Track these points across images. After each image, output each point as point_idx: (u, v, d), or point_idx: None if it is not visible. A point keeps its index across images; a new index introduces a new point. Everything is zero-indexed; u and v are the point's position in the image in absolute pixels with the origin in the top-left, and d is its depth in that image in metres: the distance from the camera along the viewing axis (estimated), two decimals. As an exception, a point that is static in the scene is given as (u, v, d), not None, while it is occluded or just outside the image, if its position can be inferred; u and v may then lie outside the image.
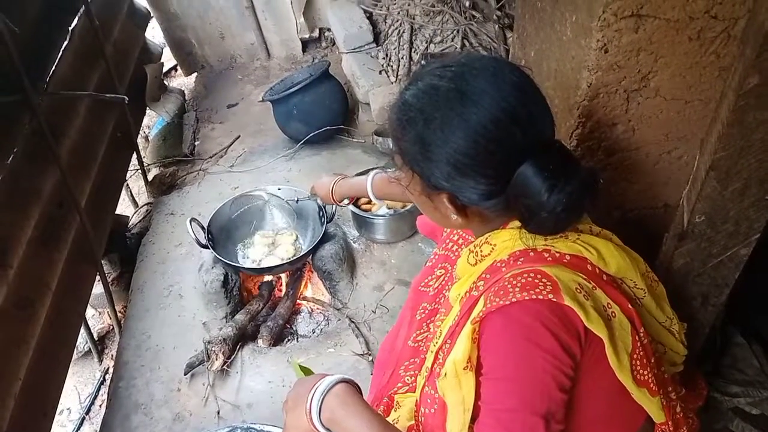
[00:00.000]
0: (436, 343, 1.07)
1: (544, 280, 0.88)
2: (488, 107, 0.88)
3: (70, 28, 2.17)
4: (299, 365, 1.18)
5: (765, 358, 1.54)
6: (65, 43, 2.11)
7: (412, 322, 1.31)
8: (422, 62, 2.90)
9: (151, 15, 3.35)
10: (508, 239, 0.97)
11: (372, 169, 1.90)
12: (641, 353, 0.94)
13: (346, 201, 1.77)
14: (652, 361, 0.97)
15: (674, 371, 1.13)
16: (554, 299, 0.86)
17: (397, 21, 3.15)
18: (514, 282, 0.89)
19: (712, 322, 1.37)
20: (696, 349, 1.09)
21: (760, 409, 1.48)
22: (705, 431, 1.23)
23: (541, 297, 0.86)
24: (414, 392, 1.22)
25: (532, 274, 0.89)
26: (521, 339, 0.86)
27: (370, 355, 1.91)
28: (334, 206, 2.16)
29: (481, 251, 1.01)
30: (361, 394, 1.01)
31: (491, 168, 0.90)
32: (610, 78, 1.26)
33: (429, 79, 0.94)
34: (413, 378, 1.26)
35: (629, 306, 0.95)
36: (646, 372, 0.95)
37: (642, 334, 0.95)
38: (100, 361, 2.33)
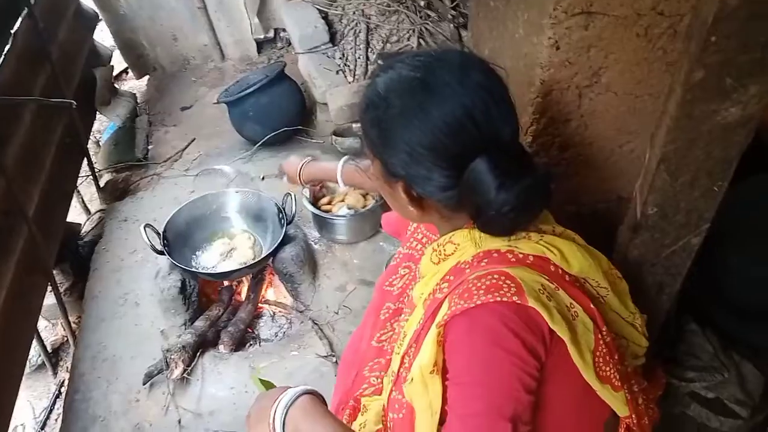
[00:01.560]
0: (401, 345, 1.06)
1: (507, 281, 0.88)
2: (449, 102, 0.89)
3: (12, 31, 2.09)
4: (260, 379, 1.14)
5: (718, 344, 1.59)
6: (7, 46, 2.03)
7: (376, 321, 1.30)
8: (379, 62, 2.89)
9: (100, 17, 3.25)
10: (471, 239, 0.98)
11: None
12: (604, 351, 0.95)
13: (307, 191, 1.78)
14: (615, 357, 0.98)
15: (637, 363, 1.15)
16: (518, 301, 0.86)
17: (353, 21, 3.14)
18: (478, 284, 0.89)
19: (667, 310, 1.41)
20: (653, 338, 1.11)
21: (715, 392, 1.53)
22: (663, 417, 1.26)
23: (505, 299, 0.86)
24: (380, 394, 1.22)
25: (496, 276, 0.89)
26: (486, 342, 0.86)
27: (334, 356, 1.89)
28: (293, 207, 2.14)
29: (445, 250, 1.01)
30: (326, 404, 0.98)
31: (446, 161, 0.90)
32: (562, 74, 1.28)
33: (398, 68, 0.95)
34: (379, 379, 1.25)
35: (591, 305, 0.96)
36: (608, 368, 0.96)
37: (605, 332, 0.96)
38: (55, 374, 2.26)
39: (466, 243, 0.98)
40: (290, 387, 0.98)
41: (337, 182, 1.64)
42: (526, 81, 1.32)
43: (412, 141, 0.91)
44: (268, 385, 1.14)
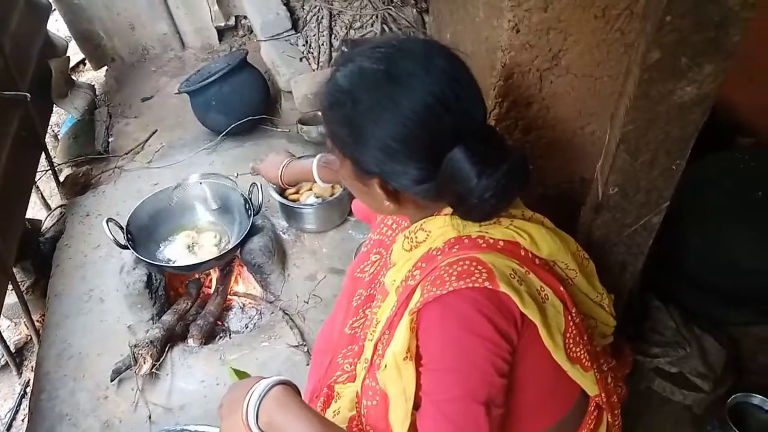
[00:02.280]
0: (374, 332, 1.06)
1: (479, 267, 0.88)
2: (418, 91, 0.87)
3: (-41, 21, 2.01)
4: (234, 369, 1.14)
5: (680, 319, 1.63)
6: (-45, 37, 1.95)
7: (348, 308, 1.30)
8: (343, 48, 2.87)
9: (53, 7, 3.15)
10: (442, 226, 0.97)
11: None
12: (574, 332, 0.97)
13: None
14: (585, 338, 1.00)
15: (605, 343, 1.18)
16: (490, 286, 0.86)
17: (316, 7, 3.10)
18: (450, 270, 0.89)
19: (630, 288, 1.44)
20: (618, 316, 1.13)
21: (678, 367, 1.57)
22: (629, 393, 1.29)
23: (477, 285, 0.86)
24: (353, 381, 1.22)
25: (467, 262, 0.89)
26: (459, 328, 0.86)
27: (305, 346, 1.89)
28: (260, 197, 2.12)
29: (416, 237, 1.00)
30: (300, 394, 0.97)
31: (421, 153, 0.89)
32: (522, 57, 1.29)
33: (359, 61, 0.92)
34: (352, 366, 1.25)
35: (561, 288, 0.97)
36: (578, 349, 0.98)
37: (574, 314, 0.98)
38: (20, 374, 2.20)
39: (437, 230, 0.98)
40: (263, 377, 0.97)
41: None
42: (488, 65, 1.33)
43: (385, 135, 0.88)
44: (242, 375, 1.13)
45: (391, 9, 2.97)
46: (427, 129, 0.87)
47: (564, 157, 1.49)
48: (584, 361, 0.99)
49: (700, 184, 1.59)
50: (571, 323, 0.96)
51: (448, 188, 0.90)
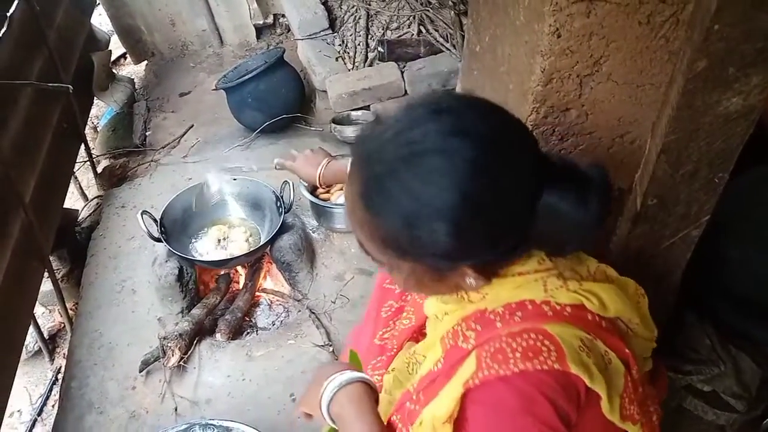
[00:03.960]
0: (410, 371, 1.03)
1: (547, 342, 0.81)
2: (454, 184, 0.77)
3: (8, 15, 2.06)
4: (353, 351, 1.17)
5: (716, 337, 1.58)
6: (3, 30, 2.00)
7: (377, 319, 1.28)
8: (379, 49, 2.87)
9: (97, 1, 3.22)
10: (502, 289, 0.89)
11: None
12: (630, 390, 0.90)
13: None
14: (639, 390, 0.93)
15: (646, 369, 1.12)
16: (560, 368, 0.80)
17: (353, 7, 3.11)
18: (514, 345, 0.82)
19: (666, 303, 1.40)
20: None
21: (711, 385, 1.52)
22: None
23: (546, 367, 0.79)
24: (380, 391, 1.21)
25: (533, 336, 0.82)
26: (521, 412, 0.80)
27: (331, 345, 1.89)
28: (291, 196, 2.12)
29: (468, 296, 0.92)
30: (376, 398, 0.97)
31: (501, 235, 0.82)
32: (562, 63, 1.26)
33: (386, 151, 0.81)
34: (381, 377, 1.24)
35: (626, 349, 0.90)
36: (632, 407, 0.91)
37: (634, 372, 0.91)
38: (52, 360, 2.25)
39: (495, 294, 0.89)
40: (351, 370, 0.99)
41: None
42: (527, 69, 1.30)
43: (442, 243, 0.79)
44: (357, 359, 1.16)
45: (428, 10, 2.95)
46: (492, 208, 0.80)
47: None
48: (635, 415, 0.92)
49: (742, 198, 1.54)
50: (629, 382, 0.90)
51: (546, 234, 0.84)
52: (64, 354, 2.19)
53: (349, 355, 1.17)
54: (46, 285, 2.06)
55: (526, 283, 0.88)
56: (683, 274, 1.33)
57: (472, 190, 0.77)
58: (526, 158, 0.83)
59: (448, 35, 2.89)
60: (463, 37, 2.69)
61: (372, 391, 0.97)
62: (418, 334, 1.22)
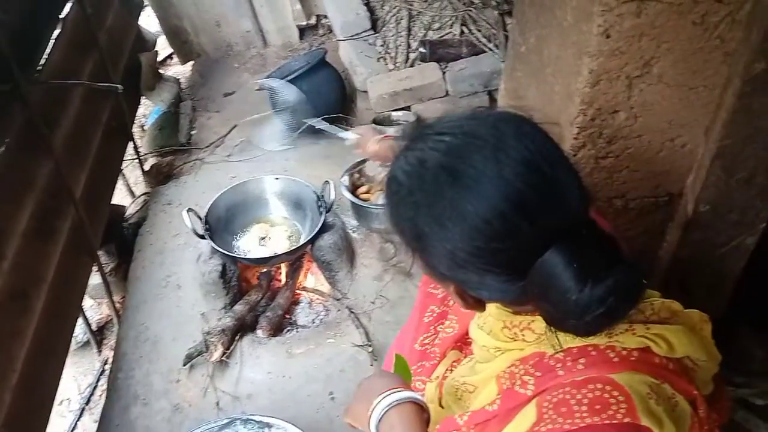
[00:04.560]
0: (457, 397, 1.00)
1: (615, 393, 0.74)
2: (487, 195, 0.73)
3: (61, 17, 2.14)
4: (399, 356, 1.15)
5: (768, 348, 1.53)
6: (57, 31, 2.07)
7: (419, 324, 1.27)
8: (421, 49, 2.86)
9: (146, 3, 3.31)
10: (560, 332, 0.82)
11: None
12: (696, 428, 0.84)
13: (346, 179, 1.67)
14: (705, 429, 0.86)
15: (707, 391, 1.07)
16: (631, 421, 0.73)
17: (395, 7, 3.11)
18: (579, 396, 0.75)
19: (718, 312, 1.36)
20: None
21: (764, 399, 1.47)
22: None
23: (616, 421, 0.72)
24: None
25: (599, 387, 0.75)
26: None
27: (370, 346, 1.89)
28: (332, 195, 2.14)
29: (523, 336, 0.86)
30: (428, 421, 0.94)
31: (500, 264, 0.76)
32: (611, 64, 1.23)
33: (421, 151, 0.79)
34: (423, 384, 1.23)
35: (693, 391, 0.83)
36: None
37: (701, 412, 0.85)
38: (99, 351, 2.32)
39: (551, 333, 0.82)
40: (403, 388, 0.96)
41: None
42: (574, 70, 1.28)
43: (454, 248, 0.76)
44: (402, 364, 1.13)
45: (471, 10, 2.93)
46: (503, 240, 0.74)
47: (650, 169, 1.41)
48: None
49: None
50: (696, 423, 0.83)
51: (539, 300, 0.76)
52: (111, 346, 2.25)
53: (395, 361, 1.15)
54: (95, 278, 2.13)
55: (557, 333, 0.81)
56: (736, 283, 1.28)
57: (500, 208, 0.73)
58: (563, 201, 0.76)
59: (491, 35, 2.86)
60: (507, 37, 2.66)
61: (422, 412, 0.94)
62: (462, 342, 1.21)
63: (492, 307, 0.91)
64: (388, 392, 0.93)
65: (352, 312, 2.03)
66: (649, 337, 0.81)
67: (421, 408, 0.93)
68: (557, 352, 0.81)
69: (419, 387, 1.20)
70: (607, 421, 0.72)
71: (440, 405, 1.13)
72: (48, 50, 1.97)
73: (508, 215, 0.72)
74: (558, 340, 0.80)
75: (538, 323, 0.83)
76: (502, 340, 0.89)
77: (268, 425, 1.55)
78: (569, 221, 0.74)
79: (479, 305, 0.85)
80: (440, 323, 1.23)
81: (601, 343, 0.79)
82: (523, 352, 0.86)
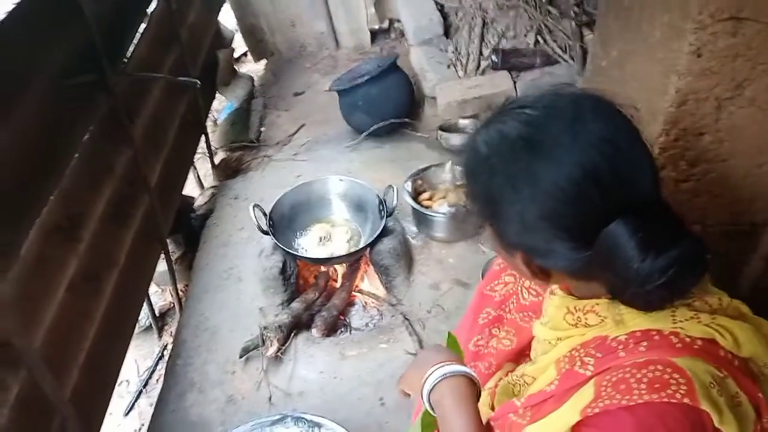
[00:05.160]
0: (516, 386, 1.01)
1: (676, 375, 0.75)
2: (563, 164, 0.76)
3: (149, 12, 2.23)
4: (452, 336, 1.17)
5: None
6: (143, 26, 2.16)
7: (473, 325, 1.27)
8: (492, 57, 2.83)
9: (225, 1, 3.41)
10: (624, 313, 0.84)
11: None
12: None
13: (409, 184, 1.65)
14: None
15: None
16: (690, 403, 0.73)
17: (469, 14, 3.09)
18: (639, 375, 0.76)
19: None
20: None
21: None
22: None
23: (674, 400, 0.73)
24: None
25: (660, 368, 0.76)
26: None
27: (423, 353, 1.88)
28: (394, 200, 2.13)
29: (586, 319, 0.87)
30: (478, 396, 0.98)
31: (569, 231, 0.78)
32: (700, 84, 1.18)
33: (501, 124, 0.83)
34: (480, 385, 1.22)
35: (759, 394, 0.82)
36: None
37: (765, 421, 0.82)
38: (160, 336, 2.40)
39: (614, 319, 0.84)
40: (458, 363, 0.99)
41: None
42: (659, 88, 1.23)
43: (525, 212, 0.79)
44: (453, 342, 1.16)
45: (548, 20, 2.88)
46: (573, 207, 0.76)
47: (734, 195, 1.34)
48: None
49: None
50: (759, 430, 0.81)
51: (603, 269, 0.78)
52: (171, 332, 2.32)
53: (448, 339, 1.15)
54: (161, 265, 2.20)
55: (619, 308, 0.83)
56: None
57: (574, 175, 0.75)
58: (635, 178, 0.78)
59: (567, 46, 2.80)
60: (583, 48, 2.60)
61: (474, 387, 0.97)
62: (519, 356, 1.19)
63: (555, 298, 0.93)
64: (441, 364, 0.97)
65: (407, 319, 2.01)
66: (714, 327, 0.80)
67: (472, 382, 0.96)
68: (620, 335, 0.82)
69: None
70: (666, 400, 0.72)
71: (491, 408, 1.13)
72: (134, 44, 2.05)
73: (580, 182, 0.75)
74: (620, 311, 0.82)
75: (602, 306, 0.85)
76: (563, 328, 0.91)
77: (318, 425, 1.56)
78: (640, 195, 0.76)
79: (544, 276, 0.86)
80: (495, 326, 1.22)
81: (665, 328, 0.80)
82: (584, 336, 0.87)
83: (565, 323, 0.90)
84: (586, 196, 0.75)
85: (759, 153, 1.27)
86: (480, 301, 1.28)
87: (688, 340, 0.79)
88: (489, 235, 0.90)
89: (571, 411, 0.79)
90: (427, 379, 0.97)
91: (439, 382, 0.96)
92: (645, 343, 0.80)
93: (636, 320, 0.82)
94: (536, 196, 0.77)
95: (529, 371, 1.01)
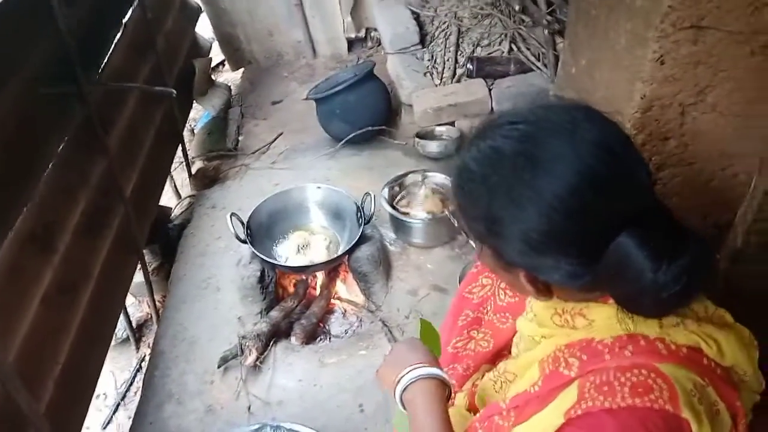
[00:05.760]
0: (498, 386, 1.02)
1: (659, 381, 0.76)
2: (563, 175, 0.75)
3: (124, 21, 2.22)
4: (423, 321, 1.20)
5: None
6: (119, 35, 2.15)
7: (453, 327, 1.28)
8: (468, 66, 2.86)
9: (202, 10, 3.41)
10: (610, 317, 0.83)
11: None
12: None
13: (386, 191, 1.68)
14: None
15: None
16: (671, 409, 0.74)
17: (444, 23, 3.13)
18: (623, 379, 0.77)
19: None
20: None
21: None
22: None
23: (656, 406, 0.74)
24: (451, 405, 1.20)
25: (644, 373, 0.77)
26: None
27: (402, 359, 1.89)
28: (372, 207, 2.15)
29: (573, 322, 0.87)
30: (449, 397, 1.01)
31: (574, 245, 0.77)
32: (664, 91, 1.22)
33: (492, 140, 0.81)
34: (454, 387, 1.23)
35: (737, 402, 0.83)
36: None
37: (741, 427, 0.84)
38: (137, 348, 2.38)
39: (603, 321, 0.84)
40: (432, 365, 1.01)
41: None
42: (625, 95, 1.27)
43: (529, 229, 0.77)
44: (428, 329, 1.19)
45: (521, 29, 2.93)
46: (578, 218, 0.76)
47: (699, 199, 1.38)
48: None
49: None
50: None
51: (612, 283, 0.78)
52: (149, 344, 2.31)
53: (421, 327, 1.19)
54: (138, 276, 2.18)
55: (625, 314, 0.82)
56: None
57: (575, 185, 0.74)
58: (633, 182, 0.78)
59: (540, 54, 2.84)
60: (556, 56, 2.64)
61: (445, 388, 1.00)
62: (495, 357, 1.21)
63: (538, 305, 0.93)
64: (414, 366, 1.00)
65: (386, 325, 2.03)
66: (699, 335, 0.81)
67: (444, 384, 0.99)
68: (605, 338, 0.82)
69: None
70: (648, 405, 0.73)
71: (467, 410, 1.16)
72: (109, 53, 2.04)
73: (584, 193, 0.74)
74: (631, 322, 0.81)
75: (592, 309, 0.85)
76: (549, 327, 0.91)
77: (297, 433, 1.56)
78: (641, 200, 0.76)
79: (548, 292, 0.85)
80: (474, 328, 1.23)
81: (651, 333, 0.80)
82: (569, 337, 0.87)
83: (552, 323, 0.91)
84: (590, 206, 0.75)
85: (722, 157, 1.31)
86: (459, 303, 1.30)
87: (673, 347, 0.80)
88: (485, 254, 0.88)
89: (555, 413, 0.80)
90: (400, 380, 0.99)
91: (412, 383, 0.98)
92: (631, 347, 0.80)
93: (620, 327, 0.82)
94: (541, 212, 0.76)
95: (511, 368, 1.02)
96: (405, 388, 0.99)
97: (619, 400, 0.74)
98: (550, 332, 0.91)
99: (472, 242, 0.91)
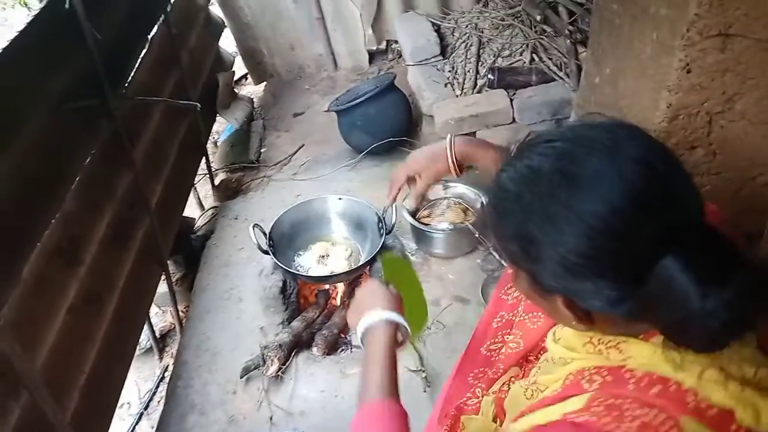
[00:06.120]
0: (530, 393, 1.00)
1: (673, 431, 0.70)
2: (604, 194, 0.71)
3: (149, 36, 2.26)
4: (387, 261, 1.27)
5: None
6: (144, 50, 2.19)
7: (488, 329, 1.27)
8: (489, 76, 2.86)
9: (225, 25, 3.46)
10: (649, 356, 0.77)
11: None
12: None
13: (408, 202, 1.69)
14: None
15: None
16: None
17: (465, 34, 3.13)
18: (637, 412, 0.72)
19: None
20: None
21: None
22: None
23: None
24: (478, 412, 1.19)
25: (662, 419, 0.71)
26: None
27: (423, 371, 1.87)
28: (393, 218, 2.14)
29: (608, 354, 0.82)
30: (402, 342, 1.10)
31: (616, 269, 0.72)
32: (691, 99, 1.20)
33: (529, 159, 0.77)
34: (482, 393, 1.22)
35: None
36: None
37: None
38: (161, 358, 2.39)
39: (641, 359, 0.78)
40: (387, 310, 1.08)
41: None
42: (651, 104, 1.25)
43: (568, 252, 0.73)
44: (391, 263, 1.30)
45: (543, 38, 2.92)
46: (620, 239, 0.71)
47: (729, 208, 1.36)
48: None
49: None
50: None
51: (657, 311, 0.71)
52: (172, 354, 2.32)
53: (383, 261, 1.29)
54: (162, 287, 2.21)
55: (671, 349, 0.75)
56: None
57: (616, 203, 0.70)
58: (679, 202, 0.72)
59: (562, 64, 2.83)
60: (578, 66, 2.63)
61: (396, 331, 1.08)
62: (524, 360, 1.19)
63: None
64: (372, 311, 1.09)
65: (408, 336, 2.01)
66: (739, 400, 0.74)
67: (393, 326, 1.08)
68: (636, 370, 0.77)
69: (478, 395, 1.20)
70: None
71: (493, 420, 1.13)
72: (135, 68, 2.08)
73: (627, 213, 0.70)
74: (678, 358, 0.74)
75: (630, 345, 0.80)
76: (580, 352, 0.87)
77: (320, 444, 1.56)
78: (687, 220, 0.71)
79: (588, 320, 0.80)
80: (507, 332, 1.22)
81: (686, 382, 0.74)
82: (598, 359, 0.83)
83: (584, 350, 0.86)
84: (631, 225, 0.70)
85: (751, 165, 1.29)
86: (495, 304, 1.29)
87: (703, 404, 0.73)
88: (520, 278, 0.84)
89: (558, 412, 0.79)
90: (358, 323, 1.09)
91: (372, 325, 1.07)
92: (658, 388, 0.75)
93: (658, 366, 0.76)
94: (581, 233, 0.71)
95: (542, 380, 0.99)
96: (365, 331, 1.08)
97: (617, 426, 0.70)
98: (581, 356, 0.87)
99: (500, 259, 0.89)
